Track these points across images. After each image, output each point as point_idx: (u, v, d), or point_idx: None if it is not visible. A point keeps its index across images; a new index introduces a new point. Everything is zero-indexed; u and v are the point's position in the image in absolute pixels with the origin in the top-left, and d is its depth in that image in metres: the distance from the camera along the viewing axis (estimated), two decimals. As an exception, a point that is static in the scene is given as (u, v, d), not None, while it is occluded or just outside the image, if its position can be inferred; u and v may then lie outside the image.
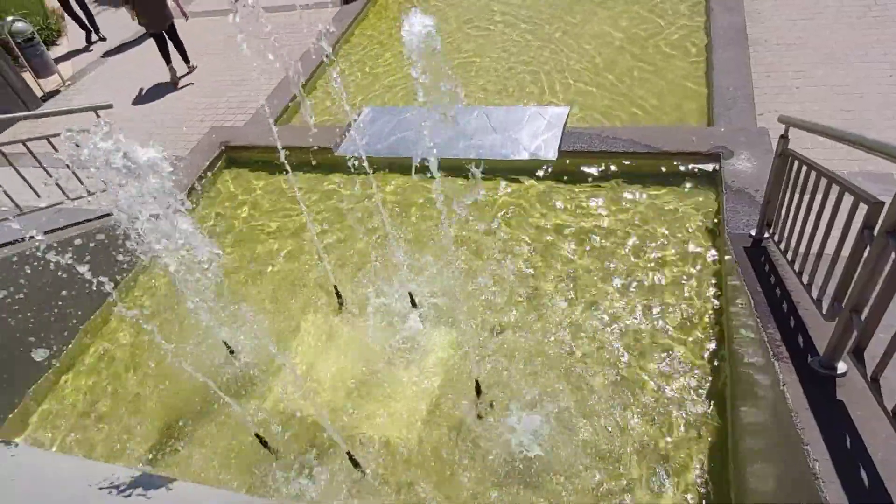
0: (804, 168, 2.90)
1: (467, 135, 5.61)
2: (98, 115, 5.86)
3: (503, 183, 5.27)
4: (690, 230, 4.45)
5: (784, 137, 3.19)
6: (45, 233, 3.97)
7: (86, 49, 10.17)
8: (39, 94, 9.20)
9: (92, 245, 4.76)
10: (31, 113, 7.86)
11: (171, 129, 7.53)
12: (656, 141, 5.03)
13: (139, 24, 8.22)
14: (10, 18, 8.95)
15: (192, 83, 8.50)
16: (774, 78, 5.65)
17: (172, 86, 8.51)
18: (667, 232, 4.48)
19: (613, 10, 7.52)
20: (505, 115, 5.87)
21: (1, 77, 8.42)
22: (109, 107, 6.12)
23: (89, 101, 8.15)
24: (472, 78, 6.89)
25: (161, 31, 8.17)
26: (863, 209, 2.27)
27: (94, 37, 10.62)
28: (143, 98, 8.48)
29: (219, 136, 6.66)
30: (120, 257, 5.06)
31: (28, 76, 9.16)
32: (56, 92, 9.33)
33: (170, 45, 8.35)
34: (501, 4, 8.36)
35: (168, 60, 8.40)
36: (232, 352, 4.36)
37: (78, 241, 4.52)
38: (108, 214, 5.19)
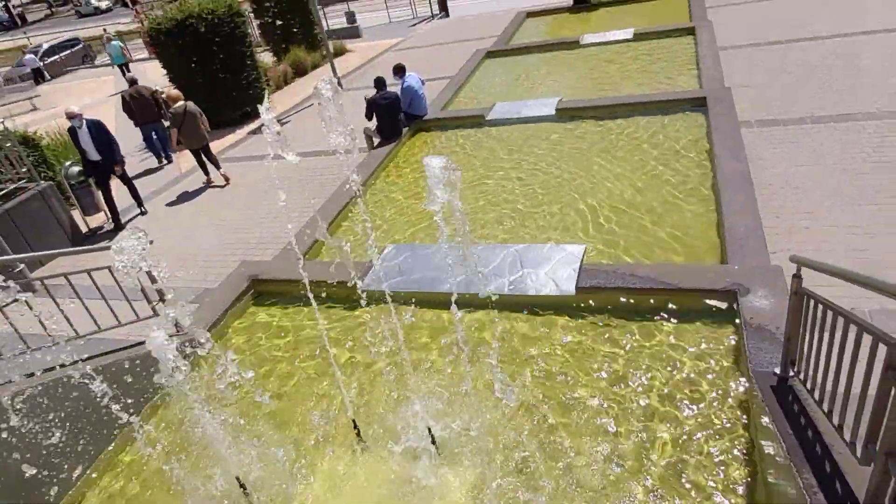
0: (820, 306, 2.94)
1: (487, 272, 5.78)
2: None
3: (522, 318, 5.34)
4: (713, 368, 4.39)
5: (797, 277, 3.26)
6: (79, 361, 4.09)
7: (140, 213, 10.23)
8: (84, 230, 9.84)
9: (118, 373, 4.83)
10: (72, 249, 8.34)
11: (204, 262, 7.89)
12: (672, 278, 5.14)
13: (179, 144, 10.37)
14: (67, 164, 9.84)
15: (226, 219, 9.05)
16: (783, 219, 5.86)
17: (206, 185, 10.71)
18: (688, 370, 4.43)
19: (618, 154, 8.05)
20: (524, 252, 6.09)
21: (52, 215, 9.07)
22: (149, 243, 6.48)
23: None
24: (489, 217, 7.24)
25: (198, 148, 10.43)
26: (883, 348, 2.28)
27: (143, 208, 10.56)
28: (179, 234, 8.99)
29: (248, 269, 6.94)
30: (143, 386, 5.14)
31: (76, 213, 9.85)
32: (100, 228, 9.95)
33: (204, 158, 10.62)
34: (515, 153, 9.00)
35: (205, 171, 10.74)
36: (245, 489, 4.22)
37: (105, 370, 4.59)
38: (138, 344, 5.33)
